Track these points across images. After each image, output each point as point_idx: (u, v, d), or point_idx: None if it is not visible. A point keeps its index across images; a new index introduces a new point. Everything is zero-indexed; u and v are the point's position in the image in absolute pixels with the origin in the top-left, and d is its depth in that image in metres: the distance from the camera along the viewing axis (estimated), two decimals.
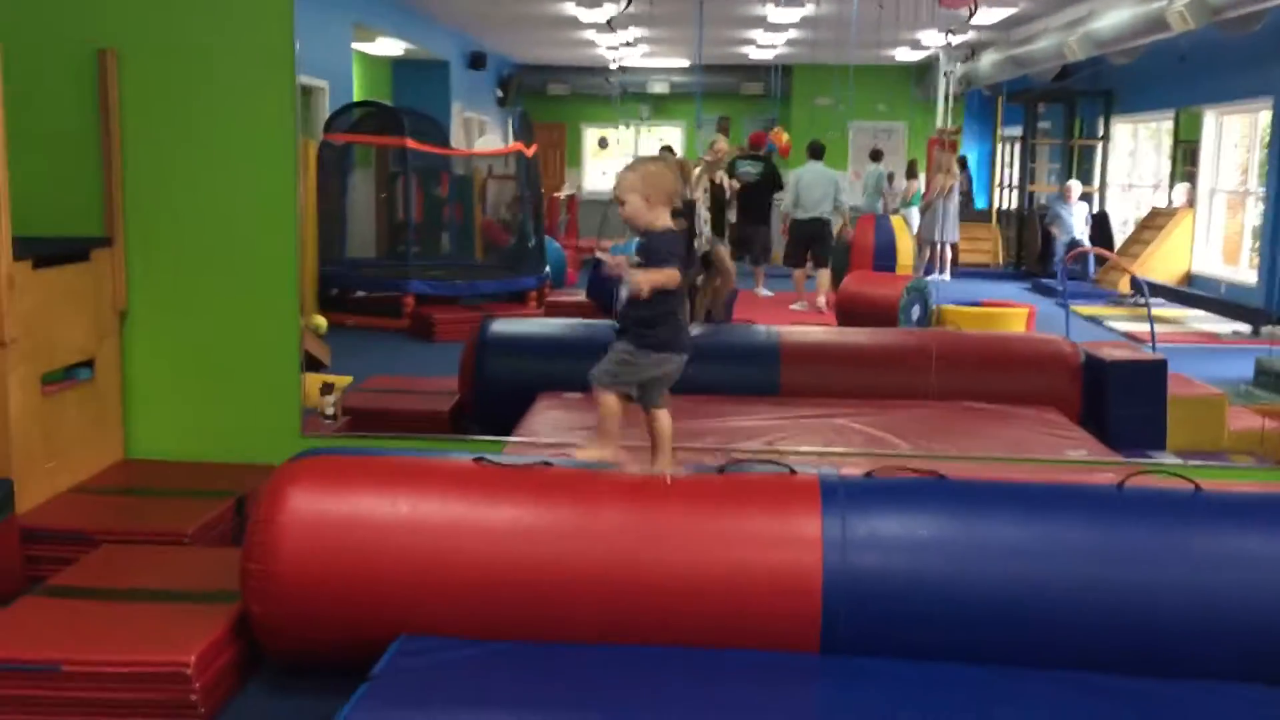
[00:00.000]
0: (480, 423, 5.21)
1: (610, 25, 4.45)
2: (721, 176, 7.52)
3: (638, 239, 3.22)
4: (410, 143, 8.22)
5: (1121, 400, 5.06)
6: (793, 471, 3.15)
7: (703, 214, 7.33)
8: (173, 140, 4.39)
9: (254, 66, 4.35)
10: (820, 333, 6.39)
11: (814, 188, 8.71)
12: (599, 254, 3.19)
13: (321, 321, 7.63)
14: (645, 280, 3.09)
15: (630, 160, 3.23)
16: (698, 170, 7.45)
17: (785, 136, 9.78)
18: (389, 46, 10.08)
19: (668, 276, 3.10)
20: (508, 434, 4.61)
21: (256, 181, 4.40)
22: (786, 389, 5.30)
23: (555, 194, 10.02)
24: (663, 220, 3.17)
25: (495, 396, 5.32)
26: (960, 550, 2.94)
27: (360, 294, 8.48)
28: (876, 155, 9.52)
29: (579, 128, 10.77)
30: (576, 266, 9.13)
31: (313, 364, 6.51)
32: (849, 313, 7.67)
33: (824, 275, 8.44)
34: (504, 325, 5.73)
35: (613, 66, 9.64)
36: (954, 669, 2.85)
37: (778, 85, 10.13)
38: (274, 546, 3.02)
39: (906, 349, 5.63)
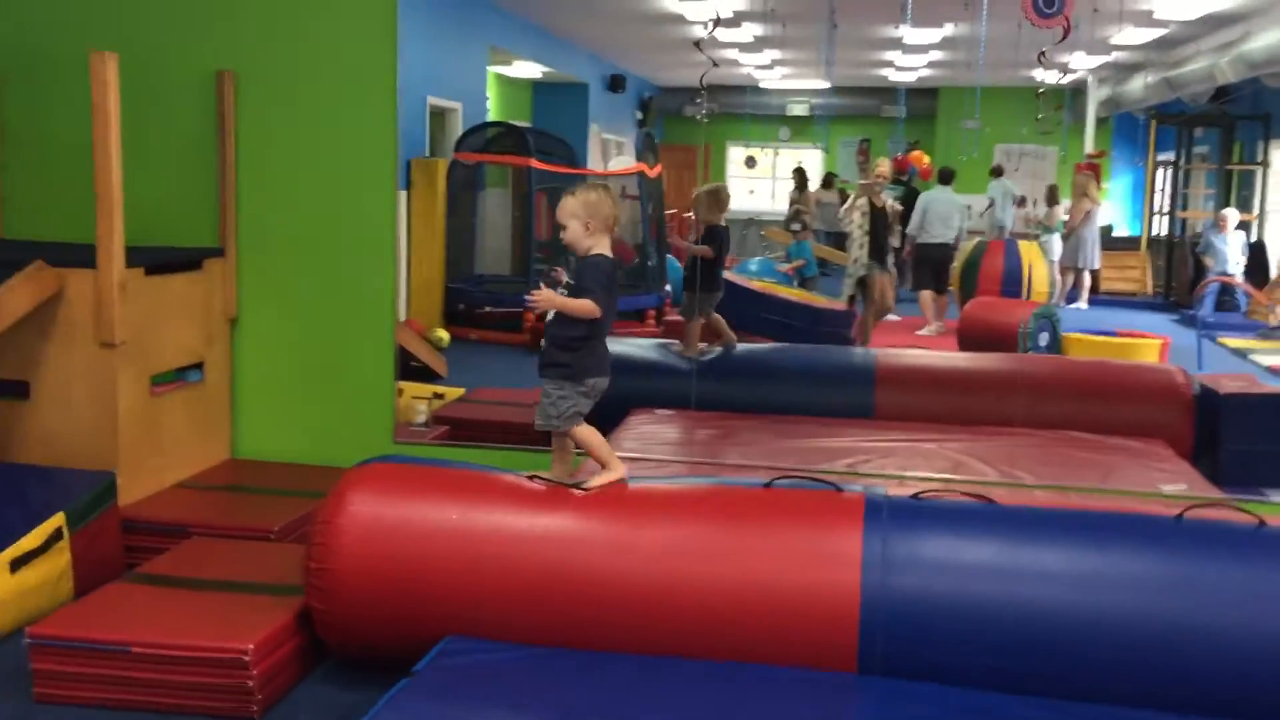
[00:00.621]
0: None
1: (708, 28, 4.50)
2: (885, 199, 7.33)
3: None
4: (534, 162, 8.42)
5: (1235, 434, 4.83)
6: (838, 489, 3.13)
7: (858, 238, 7.30)
8: (283, 157, 4.63)
9: (358, 89, 4.56)
10: (919, 356, 6.28)
11: (941, 213, 8.58)
12: (535, 293, 3.29)
13: (444, 335, 7.89)
14: (548, 301, 3.26)
15: (584, 188, 3.34)
16: (855, 193, 7.43)
17: (926, 160, 9.66)
18: (528, 69, 10.35)
19: (579, 306, 3.25)
20: None
21: (359, 197, 4.60)
22: (881, 412, 5.24)
23: (685, 214, 10.10)
24: (600, 246, 3.32)
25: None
26: (1004, 575, 2.87)
27: (486, 309, 8.71)
28: (998, 171, 9.28)
29: (722, 147, 10.85)
30: None
31: (429, 375, 6.76)
32: (970, 338, 7.52)
33: (941, 301, 8.32)
34: None
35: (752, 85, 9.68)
36: (993, 698, 2.78)
37: (907, 107, 10.03)
38: (333, 546, 3.16)
39: (1008, 375, 5.50)
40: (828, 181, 10.23)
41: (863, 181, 7.56)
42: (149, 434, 4.22)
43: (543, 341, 3.41)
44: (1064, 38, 4.71)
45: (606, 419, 5.10)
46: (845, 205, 7.98)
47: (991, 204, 9.19)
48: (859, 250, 7.35)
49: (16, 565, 3.48)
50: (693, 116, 10.42)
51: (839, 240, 9.00)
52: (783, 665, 2.94)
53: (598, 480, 3.30)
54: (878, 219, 7.31)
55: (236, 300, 4.68)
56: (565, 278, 3.36)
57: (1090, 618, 2.79)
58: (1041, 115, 7.79)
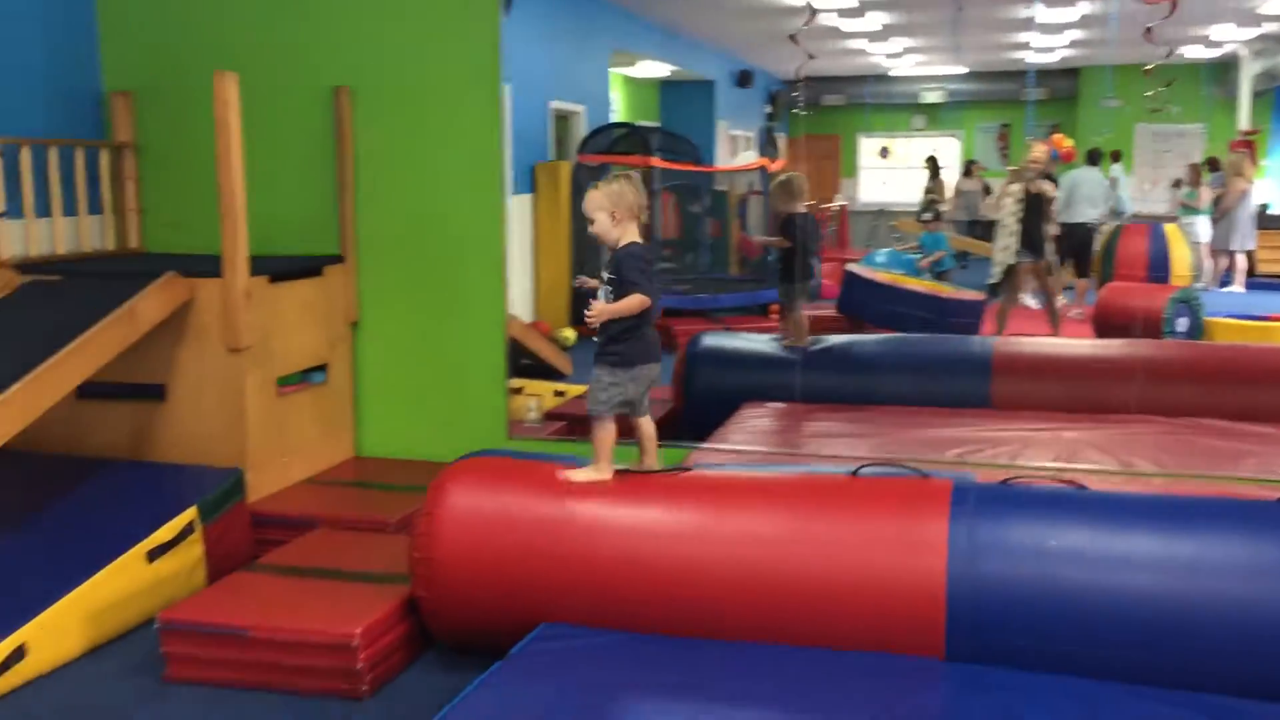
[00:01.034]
0: (690, 429, 5.37)
1: (805, 22, 4.50)
2: (1041, 185, 7.03)
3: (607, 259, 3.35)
4: (656, 161, 8.50)
5: None
6: (925, 476, 3.11)
7: (1010, 225, 7.13)
8: (397, 167, 4.83)
9: (466, 99, 4.73)
10: (1039, 343, 6.13)
11: (1088, 193, 8.32)
12: (590, 311, 3.29)
13: (570, 334, 8.04)
14: (602, 313, 3.27)
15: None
16: (1006, 179, 7.23)
17: (1068, 142, 9.39)
18: (654, 69, 10.44)
19: (629, 305, 3.26)
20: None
21: (469, 203, 4.77)
22: (999, 401, 5.15)
23: (825, 205, 10.04)
24: (629, 235, 3.32)
25: (704, 405, 5.47)
26: (1092, 561, 2.82)
27: None
28: (1093, 157, 8.87)
29: (854, 138, 10.75)
30: (837, 279, 9.13)
31: (553, 373, 6.92)
32: (1106, 324, 7.29)
33: (1081, 285, 8.05)
34: (713, 339, 5.89)
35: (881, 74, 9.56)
36: (1079, 684, 2.73)
37: (1047, 88, 9.75)
38: (434, 537, 3.30)
39: (1133, 361, 5.32)
40: (968, 169, 10.02)
41: (1013, 168, 7.33)
42: (275, 433, 4.46)
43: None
44: (1170, 14, 4.55)
45: (720, 412, 5.20)
46: (997, 192, 7.79)
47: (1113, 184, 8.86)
48: (1009, 238, 7.17)
49: (153, 556, 3.73)
50: (829, 105, 10.36)
51: (982, 230, 8.81)
52: (871, 651, 2.95)
53: (582, 474, 3.34)
54: (1032, 206, 7.05)
55: (357, 305, 4.90)
56: (595, 281, 3.36)
57: (1180, 604, 2.72)
58: (1150, 93, 7.49)
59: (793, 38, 4.60)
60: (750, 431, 4.87)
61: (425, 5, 4.72)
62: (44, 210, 4.67)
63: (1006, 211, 7.19)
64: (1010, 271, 7.08)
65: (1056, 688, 2.73)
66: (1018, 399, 5.12)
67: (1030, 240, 7.05)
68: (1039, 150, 7.57)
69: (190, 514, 3.88)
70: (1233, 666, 2.66)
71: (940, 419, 4.94)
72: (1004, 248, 7.16)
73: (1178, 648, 2.71)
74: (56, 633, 3.38)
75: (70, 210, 4.80)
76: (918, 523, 2.99)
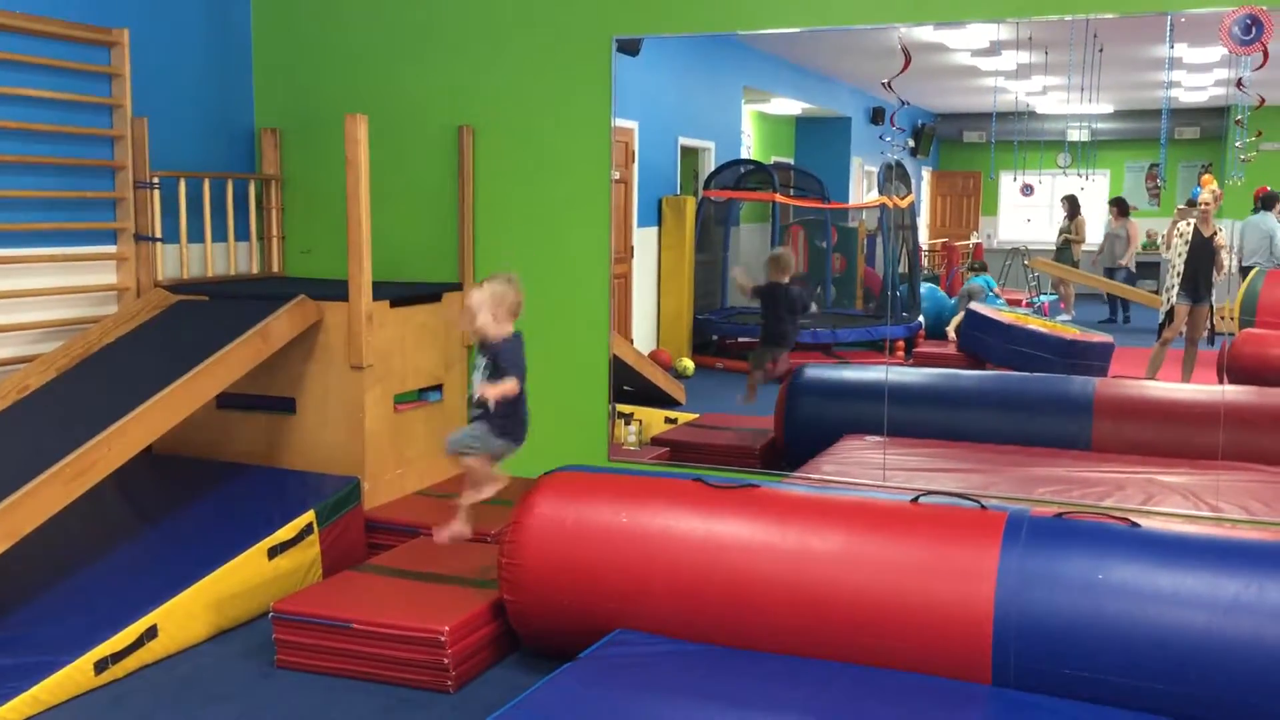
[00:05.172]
0: (790, 460, 5.52)
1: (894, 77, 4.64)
2: (1216, 228, 6.68)
3: (483, 348, 3.85)
4: (777, 197, 8.66)
5: None
6: (982, 507, 3.23)
7: (1176, 265, 6.94)
8: (513, 201, 5.16)
9: (579, 139, 5.04)
10: (1145, 386, 6.05)
11: (1248, 239, 8.09)
12: (479, 389, 3.82)
13: (689, 364, 8.26)
14: (493, 393, 3.72)
15: (490, 282, 3.83)
16: (1173, 218, 7.08)
17: (1214, 185, 9.17)
18: (787, 105, 10.62)
19: (505, 389, 3.74)
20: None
21: (578, 236, 5.07)
22: (1099, 444, 5.15)
23: (959, 242, 10.01)
24: (506, 329, 3.80)
25: (805, 436, 5.61)
26: (1140, 596, 2.89)
27: (736, 340, 9.01)
28: (1268, 201, 8.53)
29: (996, 175, 10.69)
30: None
31: (668, 401, 7.14)
32: (1240, 371, 7.11)
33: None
34: (815, 371, 6.02)
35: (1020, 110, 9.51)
36: (1124, 716, 2.81)
37: (1198, 127, 9.53)
38: (520, 544, 3.57)
39: (1245, 409, 5.24)
40: (1122, 209, 9.77)
41: (1180, 207, 7.17)
42: (392, 446, 4.80)
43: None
44: (1262, 65, 4.54)
45: (821, 444, 5.34)
46: (1165, 232, 7.64)
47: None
48: (1174, 278, 7.02)
49: (273, 553, 4.09)
50: (972, 143, 10.33)
51: (1126, 276, 8.66)
52: (921, 673, 3.07)
53: (469, 497, 3.84)
54: (1201, 248, 6.83)
55: None
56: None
57: (1226, 643, 2.77)
58: (1240, 142, 7.28)
59: (887, 84, 4.74)
60: (843, 463, 5.00)
61: (543, 50, 5.05)
62: (197, 236, 5.13)
63: (1174, 252, 7.03)
64: (1170, 314, 6.92)
65: (1098, 717, 2.81)
66: (1120, 442, 5.10)
67: (1193, 283, 6.86)
68: (1207, 192, 7.37)
69: (309, 517, 4.23)
70: (1276, 707, 2.70)
71: (1036, 458, 4.98)
72: (1167, 288, 7.04)
73: (1222, 685, 2.76)
74: (184, 617, 3.76)
75: (220, 236, 5.27)
76: (970, 550, 3.10)
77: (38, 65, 4.55)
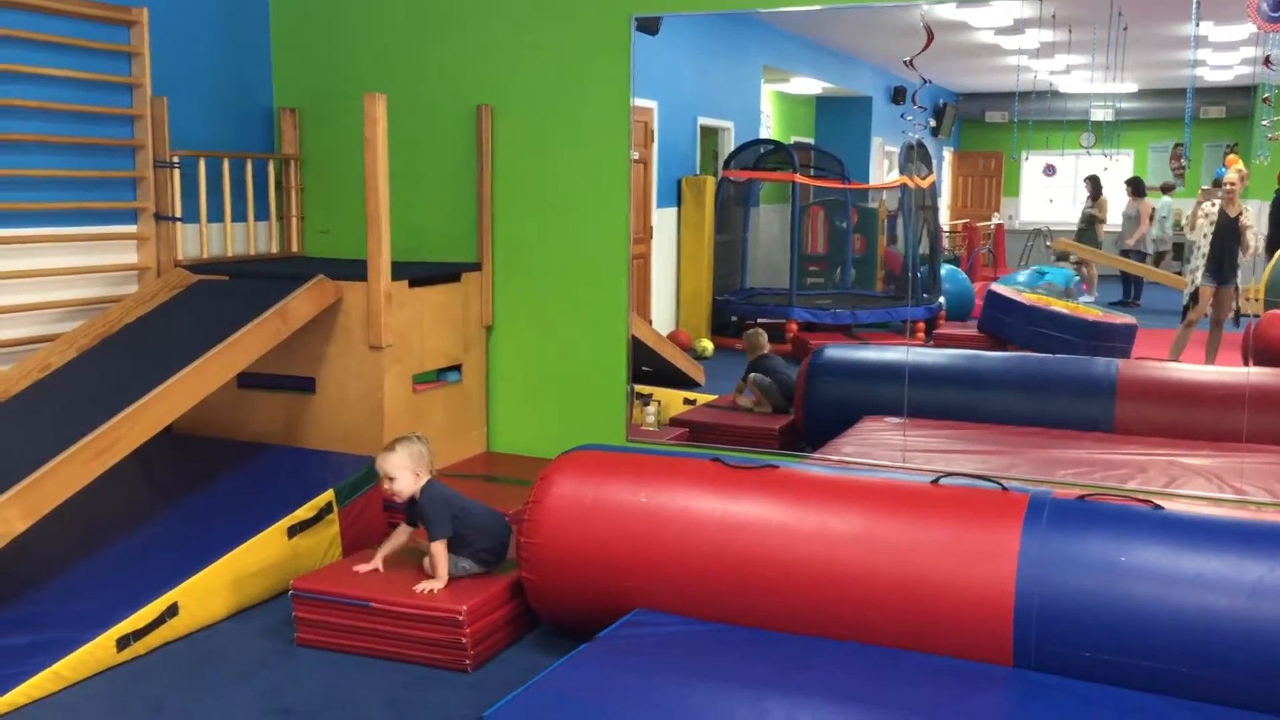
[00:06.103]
0: (810, 441, 5.51)
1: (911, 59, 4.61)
2: (1242, 208, 6.54)
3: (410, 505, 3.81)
4: (798, 177, 8.62)
5: None
6: (1004, 488, 3.21)
7: (1201, 246, 6.88)
8: (532, 181, 5.15)
9: (598, 120, 5.01)
10: (1170, 368, 6.00)
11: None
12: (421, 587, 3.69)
13: (708, 345, 8.24)
14: (440, 583, 3.65)
15: (402, 441, 3.78)
16: (1198, 198, 7.01)
17: (1240, 165, 9.07)
18: (807, 85, 10.55)
19: (438, 554, 3.69)
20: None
21: (597, 217, 5.05)
22: (1122, 426, 5.11)
23: (979, 223, 9.95)
24: (423, 480, 3.78)
25: (824, 417, 5.59)
26: (1162, 579, 2.87)
27: (756, 321, 8.98)
28: (1167, 188, 8.40)
29: (1018, 155, 10.60)
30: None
31: (687, 382, 7.13)
32: (1264, 353, 7.05)
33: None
34: (835, 352, 6.00)
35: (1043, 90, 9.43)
36: (1145, 698, 2.79)
37: (1225, 106, 9.42)
38: (538, 523, 3.57)
39: (1270, 391, 5.18)
40: (1138, 189, 9.68)
41: (1205, 188, 7.10)
42: (410, 426, 4.79)
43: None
44: None
45: (841, 424, 5.32)
46: (1190, 212, 7.58)
47: None
48: (1199, 259, 6.96)
49: (293, 532, 4.10)
50: (994, 122, 10.25)
51: (1137, 258, 8.59)
52: (942, 654, 3.06)
53: (426, 585, 3.65)
54: (1226, 229, 6.77)
55: (491, 309, 5.22)
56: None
57: (1247, 626, 2.75)
58: (1267, 121, 7.18)
59: (908, 62, 4.69)
60: (863, 444, 4.98)
61: (562, 29, 5.02)
62: (217, 216, 5.14)
63: (1199, 233, 6.96)
64: (1194, 296, 6.86)
65: (1119, 700, 2.79)
66: (1144, 424, 5.07)
67: (1218, 265, 6.79)
68: (1233, 172, 7.28)
69: (328, 496, 4.24)
70: None
71: (1058, 440, 4.95)
72: (1192, 269, 6.98)
73: (1244, 669, 2.74)
74: (205, 595, 3.78)
75: (239, 216, 5.28)
76: (992, 532, 3.09)
77: (58, 44, 4.56)
